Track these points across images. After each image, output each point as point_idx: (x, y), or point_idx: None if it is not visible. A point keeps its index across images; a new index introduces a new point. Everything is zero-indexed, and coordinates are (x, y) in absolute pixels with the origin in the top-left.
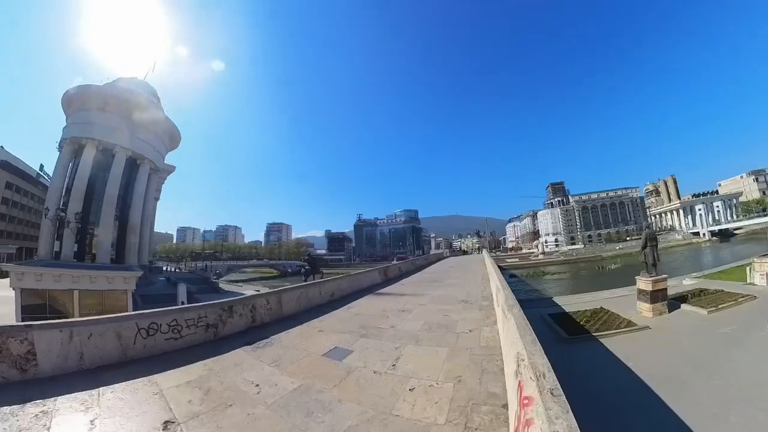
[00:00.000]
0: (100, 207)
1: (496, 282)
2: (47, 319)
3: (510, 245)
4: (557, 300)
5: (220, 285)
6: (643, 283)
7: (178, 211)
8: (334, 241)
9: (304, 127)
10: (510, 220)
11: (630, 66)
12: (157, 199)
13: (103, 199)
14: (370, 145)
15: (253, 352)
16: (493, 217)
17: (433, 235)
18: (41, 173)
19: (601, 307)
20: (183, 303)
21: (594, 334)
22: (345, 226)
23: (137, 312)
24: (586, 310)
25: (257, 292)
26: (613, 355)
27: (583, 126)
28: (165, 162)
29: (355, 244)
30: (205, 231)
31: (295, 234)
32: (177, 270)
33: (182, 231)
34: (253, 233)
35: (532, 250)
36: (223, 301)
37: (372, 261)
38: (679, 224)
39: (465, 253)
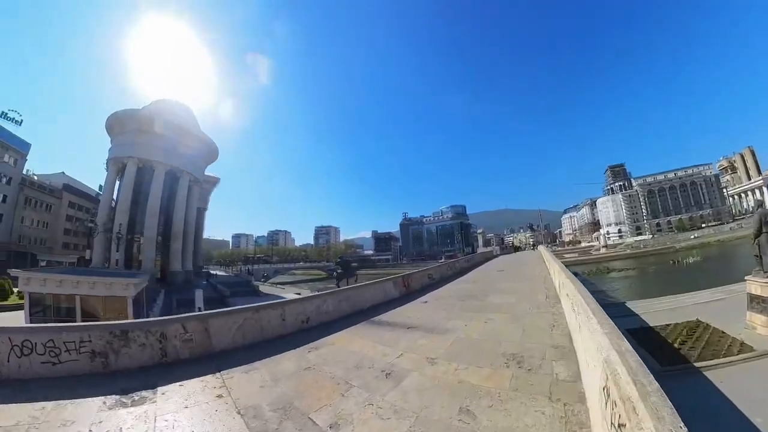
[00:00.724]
0: (144, 218)
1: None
2: (51, 322)
3: (566, 239)
4: (632, 306)
5: (261, 288)
6: (759, 286)
7: (234, 219)
8: (381, 241)
9: (353, 127)
10: (565, 211)
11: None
12: (203, 209)
13: (146, 211)
14: (414, 141)
15: (107, 410)
16: (546, 209)
17: (480, 230)
18: (99, 192)
19: (697, 320)
20: (200, 309)
21: (696, 364)
22: (391, 225)
23: (14, 326)
24: (675, 323)
25: (297, 296)
26: (727, 401)
27: (641, 100)
28: (207, 174)
29: (401, 243)
30: (258, 237)
31: (344, 236)
32: (224, 274)
33: (237, 237)
34: (304, 237)
35: (592, 244)
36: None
37: (419, 260)
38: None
39: (517, 249)
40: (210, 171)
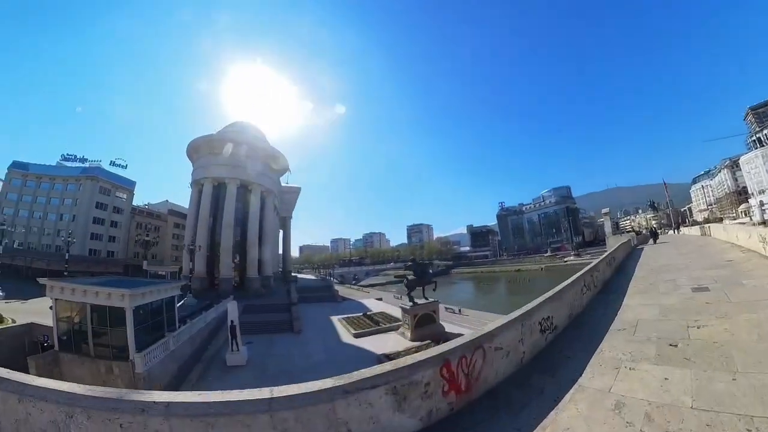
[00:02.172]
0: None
1: None
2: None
3: (699, 217)
4: None
5: (343, 291)
6: None
7: (333, 225)
8: (477, 236)
9: (442, 122)
10: (695, 180)
11: None
12: (288, 217)
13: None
14: (505, 122)
15: None
16: (668, 182)
17: (605, 211)
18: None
19: None
20: (232, 322)
21: None
22: (488, 218)
23: None
24: None
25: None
26: None
27: None
28: (291, 185)
29: (500, 237)
30: (355, 240)
31: (438, 233)
32: (312, 278)
33: (335, 242)
34: (398, 237)
35: (742, 221)
36: None
37: (522, 254)
38: None
39: (655, 235)
40: (305, 181)
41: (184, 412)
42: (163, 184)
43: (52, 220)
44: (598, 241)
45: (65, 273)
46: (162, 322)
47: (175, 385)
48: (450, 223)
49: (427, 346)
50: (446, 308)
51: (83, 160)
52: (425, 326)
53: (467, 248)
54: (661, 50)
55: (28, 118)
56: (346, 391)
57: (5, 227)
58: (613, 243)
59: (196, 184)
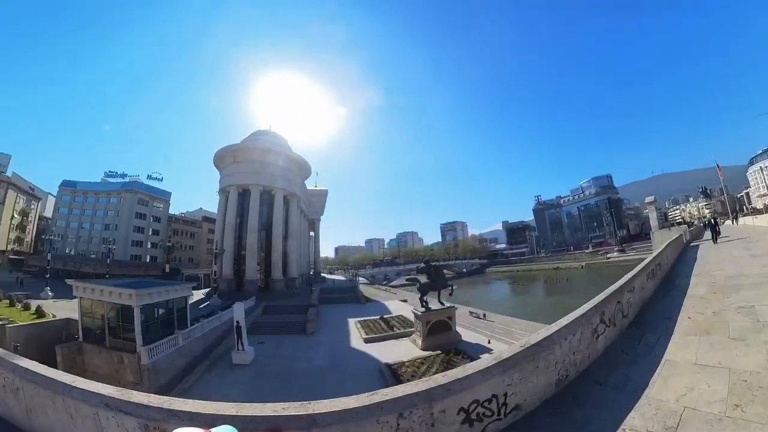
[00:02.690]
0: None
1: None
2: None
3: (758, 204)
4: None
5: (367, 291)
6: None
7: (369, 225)
8: (514, 232)
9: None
10: (752, 162)
11: None
12: (317, 219)
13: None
14: (539, 110)
15: None
16: (720, 164)
17: (649, 199)
18: None
19: None
20: (238, 323)
21: None
22: (525, 214)
23: None
24: None
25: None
26: None
27: None
28: (320, 188)
29: (537, 232)
30: (389, 240)
31: (473, 231)
32: (341, 278)
33: (369, 242)
34: (433, 236)
35: None
36: None
37: (561, 251)
38: None
39: (714, 228)
40: (340, 182)
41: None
42: (199, 192)
43: (98, 230)
44: (644, 234)
45: (107, 276)
46: (172, 320)
47: (179, 378)
48: (486, 220)
49: (435, 358)
50: (470, 312)
51: (123, 175)
52: (439, 334)
53: (503, 245)
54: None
55: (73, 138)
56: None
57: (53, 237)
58: (659, 240)
59: (223, 192)
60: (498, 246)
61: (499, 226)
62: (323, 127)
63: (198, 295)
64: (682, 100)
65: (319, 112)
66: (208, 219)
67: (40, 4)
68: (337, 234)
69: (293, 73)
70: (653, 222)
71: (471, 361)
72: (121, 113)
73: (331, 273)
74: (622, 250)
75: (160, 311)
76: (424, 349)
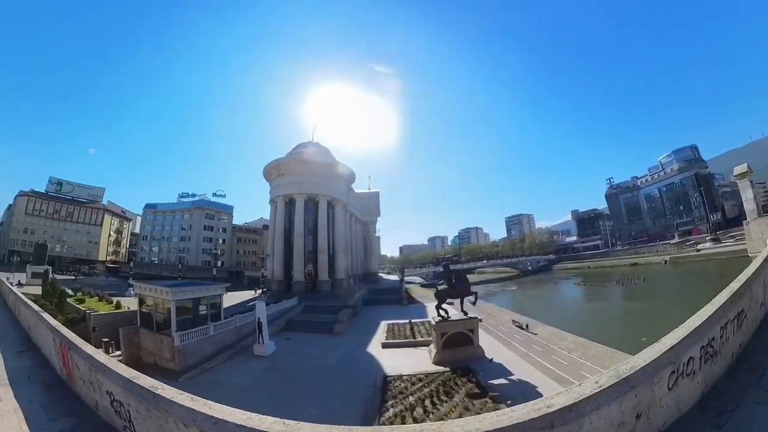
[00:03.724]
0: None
1: None
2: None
3: None
4: None
5: (415, 292)
6: None
7: (433, 223)
8: (585, 222)
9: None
10: None
11: None
12: (371, 222)
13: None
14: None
15: None
16: None
17: (740, 169)
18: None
19: None
20: (259, 319)
21: None
22: (596, 200)
23: None
24: None
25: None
26: None
27: None
28: (371, 190)
29: (612, 221)
30: (453, 237)
31: (543, 223)
32: (394, 278)
33: (432, 240)
34: (498, 231)
35: None
36: None
37: (642, 242)
38: None
39: None
40: (403, 182)
41: None
42: (260, 203)
43: (175, 242)
44: (745, 216)
45: (179, 278)
46: (205, 313)
47: (206, 361)
48: (557, 212)
49: (438, 377)
50: (513, 321)
51: (194, 195)
52: (457, 347)
53: (573, 238)
54: None
55: (157, 166)
56: None
57: (136, 250)
58: (759, 234)
59: (273, 202)
60: (568, 239)
61: (569, 217)
62: (382, 133)
63: (251, 294)
64: None
65: (373, 118)
66: (267, 227)
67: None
68: (402, 234)
69: (341, 82)
70: (748, 204)
71: (478, 387)
72: (192, 138)
73: (389, 273)
74: (716, 239)
75: (194, 305)
76: (436, 362)
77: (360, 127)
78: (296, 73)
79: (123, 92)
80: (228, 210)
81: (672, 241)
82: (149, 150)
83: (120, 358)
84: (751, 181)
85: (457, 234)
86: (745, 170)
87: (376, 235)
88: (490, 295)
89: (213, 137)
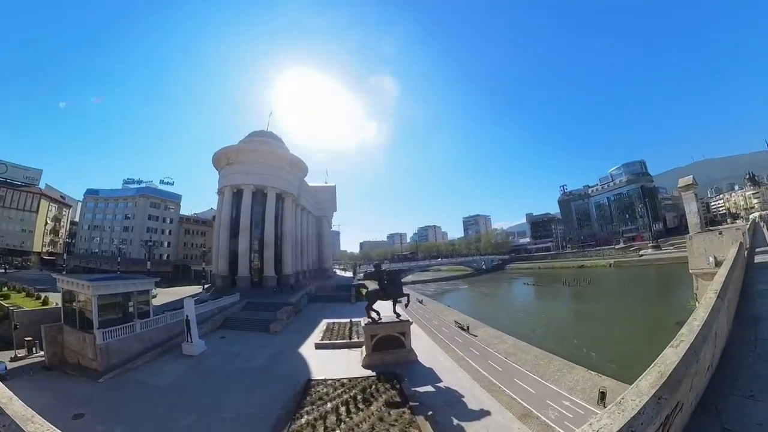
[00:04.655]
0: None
1: None
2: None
3: None
4: None
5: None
6: None
7: (393, 222)
8: (538, 225)
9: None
10: None
11: None
12: (324, 216)
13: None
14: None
15: None
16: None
17: (685, 181)
18: None
19: None
20: (187, 317)
21: None
22: (550, 206)
23: None
24: None
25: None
26: None
27: None
28: (329, 184)
29: (563, 226)
30: (412, 234)
31: (499, 224)
32: (349, 275)
33: (391, 237)
34: (457, 230)
35: None
36: None
37: (589, 246)
38: None
39: None
40: (363, 177)
41: None
42: (212, 193)
43: (117, 232)
44: (684, 227)
45: (117, 272)
46: (131, 310)
47: (131, 360)
48: (514, 214)
49: (361, 382)
50: (455, 322)
51: (140, 182)
52: (388, 351)
53: (527, 240)
54: None
55: (100, 148)
56: None
57: (70, 240)
58: (701, 250)
59: (220, 192)
60: (522, 241)
61: (524, 220)
62: (345, 127)
63: (197, 290)
64: (727, 80)
65: (341, 113)
66: None
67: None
68: (364, 230)
69: (312, 74)
70: (691, 217)
71: (399, 395)
72: (139, 119)
73: (344, 270)
74: (657, 246)
75: (120, 301)
76: (365, 366)
77: (323, 122)
78: (261, 58)
79: (67, 66)
80: (175, 199)
81: (617, 246)
82: (95, 131)
83: (43, 358)
84: (695, 194)
85: (416, 231)
86: (691, 182)
87: (335, 230)
88: (441, 293)
89: (166, 119)
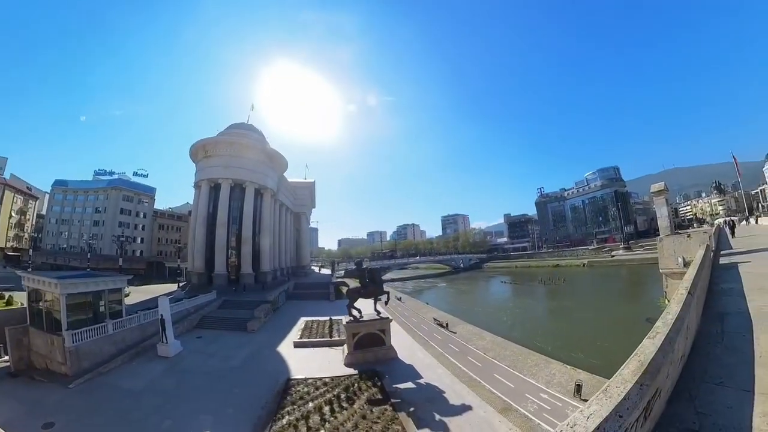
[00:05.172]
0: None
1: None
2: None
3: None
4: None
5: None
6: None
7: (373, 220)
8: (515, 226)
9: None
10: None
11: None
12: (302, 213)
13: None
14: (548, 102)
15: None
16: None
17: (657, 187)
18: None
19: None
20: (162, 317)
21: None
22: (527, 207)
23: None
24: None
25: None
26: None
27: None
28: (307, 180)
29: (540, 227)
30: (392, 232)
31: (478, 224)
32: (326, 273)
33: (371, 234)
34: (437, 228)
35: None
36: None
37: (564, 246)
38: None
39: (733, 230)
40: (345, 175)
41: None
42: (188, 187)
43: (87, 226)
44: (654, 230)
45: (87, 269)
46: (102, 310)
47: (104, 363)
48: (492, 214)
49: (344, 381)
50: (434, 320)
51: (111, 173)
52: (369, 349)
53: (504, 239)
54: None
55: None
56: None
57: (36, 235)
58: (671, 251)
59: (197, 186)
60: (499, 240)
61: (502, 220)
62: (327, 123)
63: (173, 288)
64: (698, 94)
65: (324, 109)
66: None
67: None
68: (343, 227)
69: (295, 69)
70: (662, 220)
71: (381, 392)
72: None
73: (322, 267)
74: (628, 248)
75: (91, 300)
76: (347, 364)
77: (305, 118)
78: (245, 50)
79: (38, 50)
80: (150, 192)
81: (590, 247)
82: (65, 119)
83: (8, 363)
84: (666, 199)
85: (395, 230)
86: (662, 188)
87: (314, 227)
88: (420, 291)
89: (142, 108)
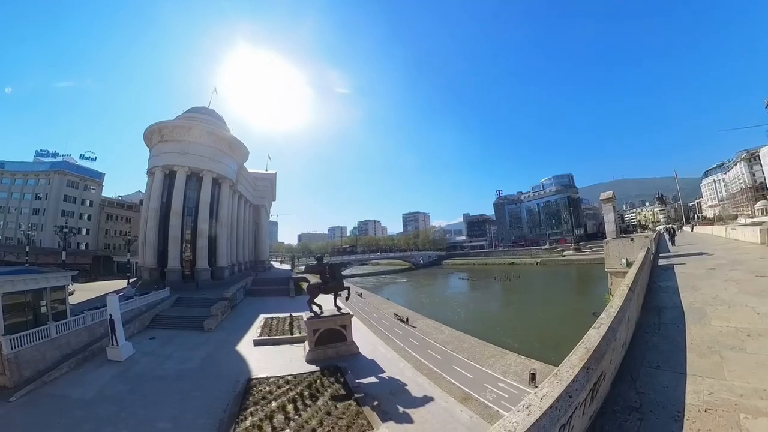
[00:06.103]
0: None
1: None
2: None
3: (709, 213)
4: None
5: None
6: None
7: (334, 215)
8: (474, 225)
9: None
10: (706, 174)
11: None
12: (262, 205)
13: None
14: (515, 111)
15: None
16: (678, 176)
17: (606, 195)
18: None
19: None
20: (111, 317)
21: None
22: (485, 207)
23: None
24: None
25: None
26: None
27: None
28: (269, 171)
29: (497, 227)
30: (352, 228)
31: (439, 222)
32: (286, 268)
33: (332, 229)
34: (397, 226)
35: (760, 220)
36: None
37: (518, 246)
38: None
39: (674, 237)
40: (308, 168)
41: None
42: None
43: (26, 215)
44: (601, 234)
45: (26, 264)
46: (43, 310)
47: (46, 369)
48: (453, 213)
49: (306, 378)
50: (395, 314)
51: (55, 155)
52: (330, 345)
53: (463, 238)
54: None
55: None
56: None
57: None
58: (616, 253)
59: (150, 173)
60: (458, 238)
61: (462, 219)
62: (290, 115)
63: (123, 285)
64: (650, 115)
65: (287, 99)
66: None
67: None
68: (304, 222)
69: (260, 55)
70: (609, 225)
71: (344, 388)
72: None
73: (282, 262)
74: (578, 249)
75: (31, 300)
76: (309, 361)
77: (269, 107)
78: (207, 31)
79: None
80: (98, 178)
81: (544, 247)
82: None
83: None
84: (614, 206)
85: (356, 225)
86: (611, 196)
87: (274, 220)
88: (380, 286)
89: (91, 85)
